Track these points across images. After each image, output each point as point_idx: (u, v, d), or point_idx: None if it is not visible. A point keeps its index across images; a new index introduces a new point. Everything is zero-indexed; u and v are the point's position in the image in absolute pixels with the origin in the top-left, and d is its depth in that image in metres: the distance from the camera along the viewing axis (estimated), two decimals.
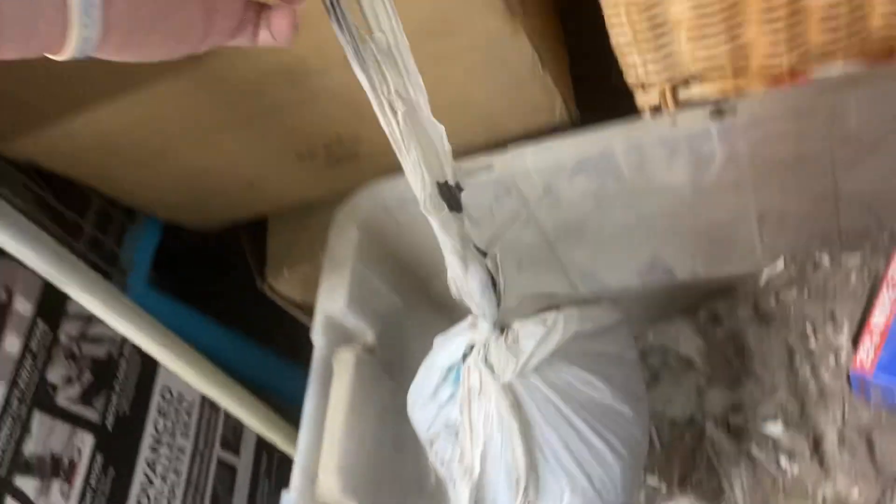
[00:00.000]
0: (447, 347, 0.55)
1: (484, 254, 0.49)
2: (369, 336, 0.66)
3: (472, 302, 0.50)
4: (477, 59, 0.61)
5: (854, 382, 0.55)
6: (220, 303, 0.88)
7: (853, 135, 0.56)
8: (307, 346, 0.64)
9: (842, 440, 0.59)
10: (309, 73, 0.59)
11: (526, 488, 0.51)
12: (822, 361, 0.63)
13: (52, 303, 0.69)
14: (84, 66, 0.56)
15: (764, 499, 0.60)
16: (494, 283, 0.50)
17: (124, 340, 0.72)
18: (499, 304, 0.51)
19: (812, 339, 0.64)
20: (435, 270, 0.72)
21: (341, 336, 0.65)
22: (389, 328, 0.68)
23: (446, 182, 0.45)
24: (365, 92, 0.59)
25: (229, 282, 0.86)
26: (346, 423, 0.60)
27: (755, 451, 0.62)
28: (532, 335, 0.52)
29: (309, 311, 0.87)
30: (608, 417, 0.53)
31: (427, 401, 0.56)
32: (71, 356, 0.70)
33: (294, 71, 0.58)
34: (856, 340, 0.56)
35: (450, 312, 0.65)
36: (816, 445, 0.60)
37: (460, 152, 0.69)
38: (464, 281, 0.49)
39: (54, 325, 0.69)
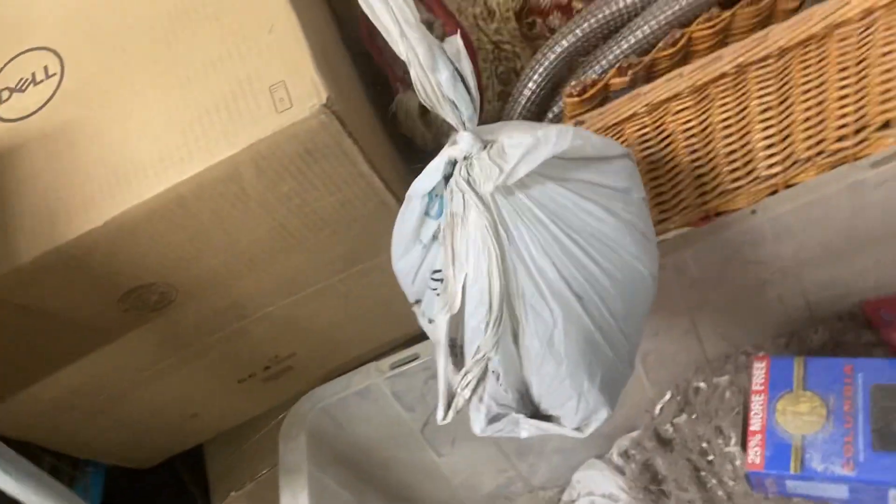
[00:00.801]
0: (427, 171, 0.48)
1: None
2: None
3: (444, 104, 0.44)
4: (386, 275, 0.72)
5: (752, 480, 0.67)
6: None
7: (696, 280, 0.71)
8: None
9: None
10: (254, 306, 0.68)
11: (497, 320, 0.45)
12: (723, 470, 0.74)
13: None
14: (53, 338, 0.62)
15: None
16: (464, 81, 0.44)
17: None
18: (476, 107, 0.45)
19: (710, 454, 0.76)
20: (385, 464, 0.79)
21: None
22: None
23: None
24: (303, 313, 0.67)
25: None
26: None
27: None
28: (519, 145, 0.45)
29: None
30: (607, 248, 0.49)
31: (409, 243, 0.50)
32: None
33: (242, 305, 0.67)
34: (744, 445, 0.68)
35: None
36: None
37: (388, 350, 0.79)
38: (424, 74, 0.42)
39: None
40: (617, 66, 0.65)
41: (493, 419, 0.51)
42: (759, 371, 0.69)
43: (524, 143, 0.45)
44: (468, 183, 0.45)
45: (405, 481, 0.83)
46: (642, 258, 0.51)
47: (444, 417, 0.48)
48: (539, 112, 0.71)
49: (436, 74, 0.42)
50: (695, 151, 0.68)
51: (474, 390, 0.48)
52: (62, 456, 0.78)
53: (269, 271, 0.64)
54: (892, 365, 0.65)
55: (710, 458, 0.75)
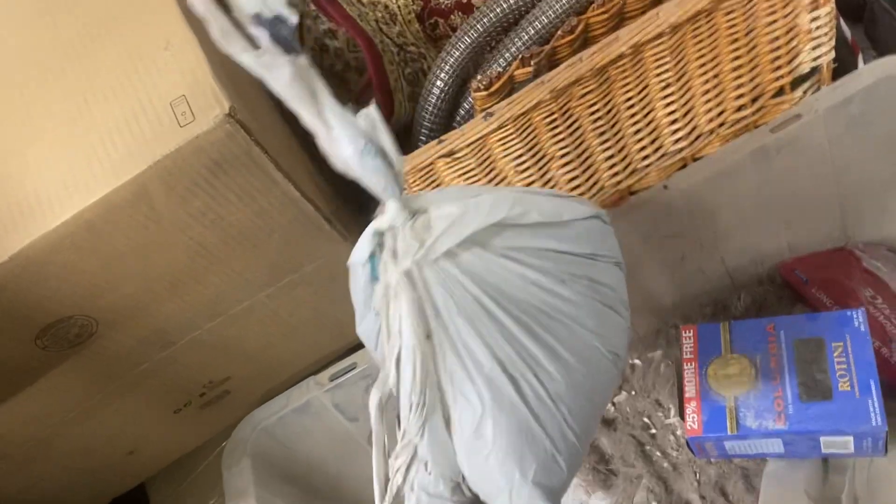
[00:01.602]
0: (359, 241, 0.46)
1: (353, 110, 0.40)
2: None
3: (360, 177, 0.42)
4: (324, 279, 0.71)
5: (693, 447, 0.68)
6: None
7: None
8: None
9: (703, 499, 0.71)
10: (180, 331, 0.67)
11: (420, 404, 0.43)
12: (665, 442, 0.75)
13: None
14: None
15: None
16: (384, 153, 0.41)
17: None
18: (397, 178, 0.42)
19: (652, 427, 0.77)
20: (335, 478, 0.78)
21: None
22: None
23: (258, 14, 0.38)
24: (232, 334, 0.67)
25: None
26: None
27: None
28: (446, 217, 0.43)
29: None
30: (558, 323, 0.44)
31: (363, 311, 0.48)
32: None
33: (167, 331, 0.66)
34: (681, 414, 0.69)
35: None
36: None
37: (326, 363, 0.78)
38: (330, 145, 0.40)
39: None
40: (520, 57, 0.66)
41: None
42: (688, 340, 0.71)
43: (450, 215, 0.43)
44: (393, 255, 0.43)
45: (358, 495, 0.82)
46: (603, 336, 0.46)
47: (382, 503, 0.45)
48: (450, 109, 0.72)
49: (341, 151, 0.40)
50: (603, 133, 0.70)
51: (405, 478, 0.44)
52: None
53: (192, 293, 0.63)
54: (810, 319, 0.68)
55: (653, 431, 0.77)
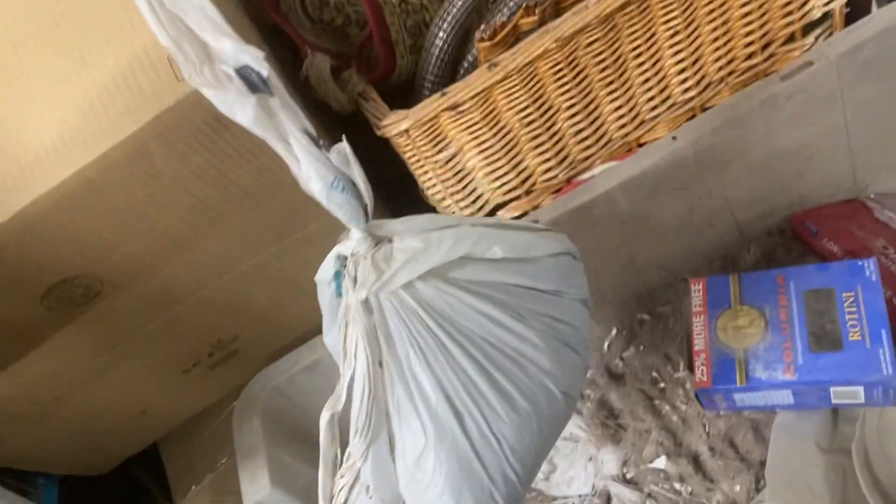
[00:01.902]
0: (324, 263, 0.47)
1: (318, 145, 0.42)
2: None
3: (329, 207, 0.44)
4: (329, 238, 0.71)
5: (702, 399, 0.68)
6: None
7: (627, 214, 0.72)
8: None
9: (712, 451, 0.71)
10: (186, 290, 0.66)
11: (365, 429, 0.43)
12: (674, 395, 0.75)
13: None
14: None
15: None
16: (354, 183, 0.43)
17: None
18: (366, 209, 0.44)
19: (661, 382, 0.77)
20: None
21: None
22: (315, 496, 0.72)
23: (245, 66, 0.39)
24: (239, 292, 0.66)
25: None
26: None
27: (653, 487, 0.72)
28: (407, 250, 0.44)
29: None
30: (511, 361, 0.45)
31: (330, 324, 0.49)
32: None
33: (173, 291, 0.66)
34: (690, 366, 0.69)
35: None
36: (696, 463, 0.71)
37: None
38: (301, 176, 0.42)
39: None
40: (524, 5, 0.65)
41: None
42: (697, 293, 0.71)
43: (412, 249, 0.43)
44: (353, 281, 0.44)
45: None
46: (557, 375, 0.46)
47: None
48: (454, 62, 0.71)
49: (309, 184, 0.43)
50: (610, 84, 0.68)
51: (346, 499, 0.45)
52: (8, 471, 0.75)
53: (196, 251, 0.63)
54: (819, 269, 0.67)
55: (662, 385, 0.77)
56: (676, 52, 0.68)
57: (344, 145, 0.43)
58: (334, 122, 0.73)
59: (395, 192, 0.78)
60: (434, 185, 0.71)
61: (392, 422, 0.45)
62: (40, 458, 0.74)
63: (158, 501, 0.85)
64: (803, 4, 0.67)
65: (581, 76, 0.67)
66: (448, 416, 0.43)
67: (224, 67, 0.39)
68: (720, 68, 0.70)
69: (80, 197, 0.53)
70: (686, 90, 0.70)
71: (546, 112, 0.68)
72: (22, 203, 0.52)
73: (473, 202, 0.73)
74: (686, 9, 0.66)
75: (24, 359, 0.63)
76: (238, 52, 0.39)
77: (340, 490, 0.45)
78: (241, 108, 0.39)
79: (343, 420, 0.45)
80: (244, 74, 0.39)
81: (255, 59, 0.39)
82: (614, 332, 0.81)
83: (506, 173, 0.71)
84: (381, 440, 0.45)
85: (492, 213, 0.76)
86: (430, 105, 0.63)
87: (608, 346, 0.81)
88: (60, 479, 0.82)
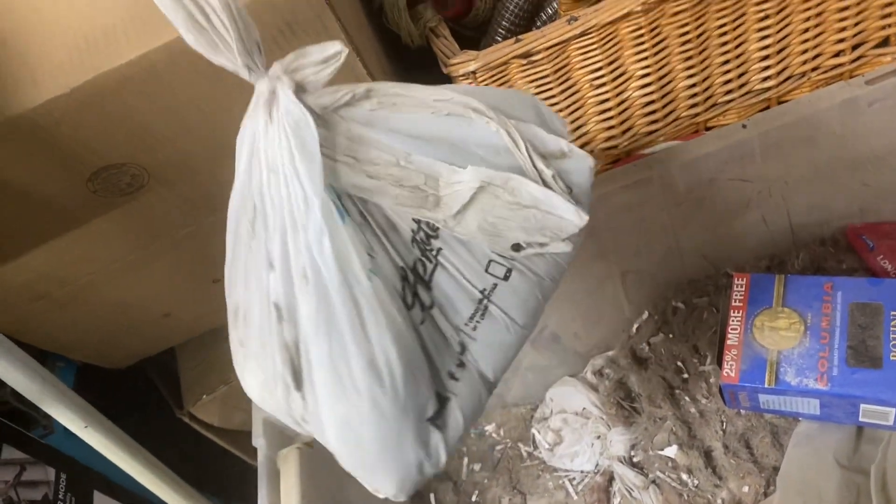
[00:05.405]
0: None
1: None
2: None
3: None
4: None
5: (725, 395, 0.67)
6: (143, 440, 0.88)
7: (682, 197, 0.70)
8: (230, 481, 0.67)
9: (726, 448, 0.69)
10: (225, 197, 0.66)
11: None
12: (696, 388, 0.74)
13: None
14: (19, 216, 0.60)
15: None
16: None
17: (59, 482, 0.71)
18: None
19: (685, 372, 0.76)
20: None
21: (281, 436, 0.69)
22: None
23: None
24: None
25: (146, 416, 0.87)
26: None
27: (659, 474, 0.71)
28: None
29: (228, 435, 0.89)
30: None
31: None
32: (9, 501, 0.68)
33: (215, 197, 0.65)
34: (719, 360, 0.67)
35: None
36: (708, 458, 0.70)
37: None
38: None
39: None
40: None
41: None
42: (740, 287, 0.69)
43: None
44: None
45: None
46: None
47: None
48: (532, 12, 0.69)
49: None
50: (689, 59, 0.66)
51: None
52: (30, 349, 0.77)
53: None
54: (871, 283, 0.65)
55: (685, 376, 0.75)
56: (763, 38, 0.66)
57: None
58: (399, 56, 0.72)
59: None
60: None
61: None
62: (63, 342, 0.75)
63: (168, 404, 0.86)
64: None
65: (660, 46, 0.65)
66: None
67: None
68: (805, 62, 0.68)
69: (142, 81, 0.53)
70: (765, 79, 0.68)
71: (618, 77, 0.66)
72: (83, 78, 0.52)
73: None
74: None
75: (62, 238, 0.63)
76: None
77: None
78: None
79: None
80: None
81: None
82: (646, 315, 0.79)
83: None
84: None
85: None
86: (502, 49, 0.62)
87: (637, 329, 0.79)
88: (78, 366, 0.83)
